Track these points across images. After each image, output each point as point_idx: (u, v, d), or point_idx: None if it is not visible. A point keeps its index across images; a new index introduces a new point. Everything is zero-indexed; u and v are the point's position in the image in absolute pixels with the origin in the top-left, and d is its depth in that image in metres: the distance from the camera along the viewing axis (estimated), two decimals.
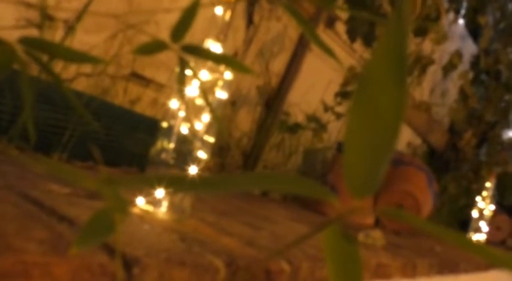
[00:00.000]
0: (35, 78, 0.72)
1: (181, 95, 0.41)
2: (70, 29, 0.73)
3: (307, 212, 1.21)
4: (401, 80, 0.14)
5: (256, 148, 1.38)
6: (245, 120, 1.45)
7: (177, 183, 0.20)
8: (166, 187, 0.21)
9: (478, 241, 0.20)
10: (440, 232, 0.20)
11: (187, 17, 0.31)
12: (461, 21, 2.07)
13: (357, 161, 0.17)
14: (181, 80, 0.35)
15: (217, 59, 0.34)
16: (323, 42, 0.34)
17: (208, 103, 0.41)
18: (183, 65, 0.33)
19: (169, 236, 0.50)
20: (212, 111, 0.43)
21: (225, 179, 0.21)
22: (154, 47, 0.34)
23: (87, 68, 1.00)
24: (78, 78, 1.00)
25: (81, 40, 0.98)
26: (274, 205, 1.16)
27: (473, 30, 2.38)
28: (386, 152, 0.16)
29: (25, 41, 0.32)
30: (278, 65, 1.50)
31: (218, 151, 1.31)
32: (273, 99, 1.45)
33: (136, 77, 1.14)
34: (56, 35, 0.91)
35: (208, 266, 0.45)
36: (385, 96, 0.14)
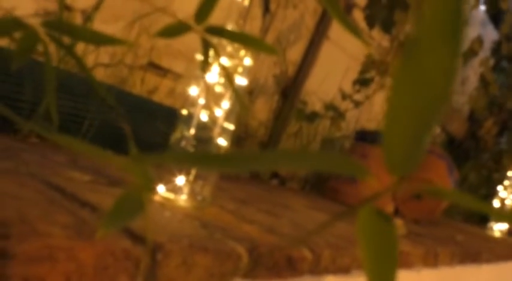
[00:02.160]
0: (54, 67, 0.72)
1: (202, 80, 0.41)
2: (87, 18, 0.73)
3: (326, 201, 1.20)
4: (456, 42, 0.13)
5: (274, 137, 1.38)
6: (262, 110, 1.44)
7: (208, 160, 0.19)
8: (192, 165, 0.20)
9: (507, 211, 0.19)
10: (468, 200, 0.19)
11: None
12: (481, 7, 2.01)
13: (399, 135, 0.16)
14: (205, 63, 0.34)
15: (242, 40, 0.33)
16: (347, 20, 0.33)
17: (232, 86, 0.40)
18: (207, 47, 0.32)
19: (191, 223, 0.50)
20: (236, 94, 0.42)
21: (253, 156, 0.20)
22: (177, 30, 0.33)
23: (104, 58, 1.01)
24: (96, 68, 1.01)
25: (98, 30, 0.98)
26: (292, 194, 1.15)
27: (494, 16, 2.32)
28: (431, 123, 0.15)
29: (48, 24, 0.31)
30: (295, 53, 1.48)
31: (236, 140, 1.31)
32: (290, 88, 1.44)
33: (154, 66, 1.14)
34: None
35: (230, 252, 0.45)
36: (435, 61, 0.13)
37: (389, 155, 0.18)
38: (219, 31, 0.31)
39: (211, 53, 0.41)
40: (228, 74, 0.39)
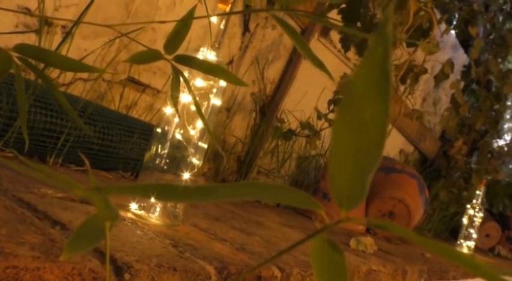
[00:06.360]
0: (32, 82, 0.73)
1: (175, 103, 0.42)
2: (67, 35, 0.73)
3: (300, 217, 1.22)
4: (386, 93, 0.14)
5: (251, 154, 1.39)
6: (240, 127, 1.46)
7: (169, 192, 0.21)
8: (157, 196, 0.21)
9: (462, 252, 0.20)
10: (427, 242, 0.21)
11: (181, 29, 0.32)
12: (452, 32, 2.09)
13: (342, 174, 0.18)
14: (175, 89, 0.35)
15: (210, 70, 0.35)
16: (314, 56, 0.35)
17: (200, 111, 0.42)
18: (177, 74, 0.34)
19: (162, 241, 0.51)
20: (203, 120, 0.44)
21: (217, 188, 0.22)
22: (148, 57, 0.35)
23: (84, 73, 1.01)
24: (75, 83, 1.01)
25: (78, 46, 0.98)
26: (267, 211, 1.16)
27: (465, 41, 2.41)
28: (372, 164, 0.17)
29: (20, 49, 0.32)
30: (273, 72, 1.51)
31: (213, 156, 1.32)
32: (268, 106, 1.46)
33: (133, 82, 1.15)
34: (54, 40, 0.92)
35: (199, 271, 0.46)
36: (369, 109, 0.15)
37: (336, 192, 0.20)
38: (188, 61, 0.32)
39: (184, 77, 0.42)
40: (195, 100, 0.40)
